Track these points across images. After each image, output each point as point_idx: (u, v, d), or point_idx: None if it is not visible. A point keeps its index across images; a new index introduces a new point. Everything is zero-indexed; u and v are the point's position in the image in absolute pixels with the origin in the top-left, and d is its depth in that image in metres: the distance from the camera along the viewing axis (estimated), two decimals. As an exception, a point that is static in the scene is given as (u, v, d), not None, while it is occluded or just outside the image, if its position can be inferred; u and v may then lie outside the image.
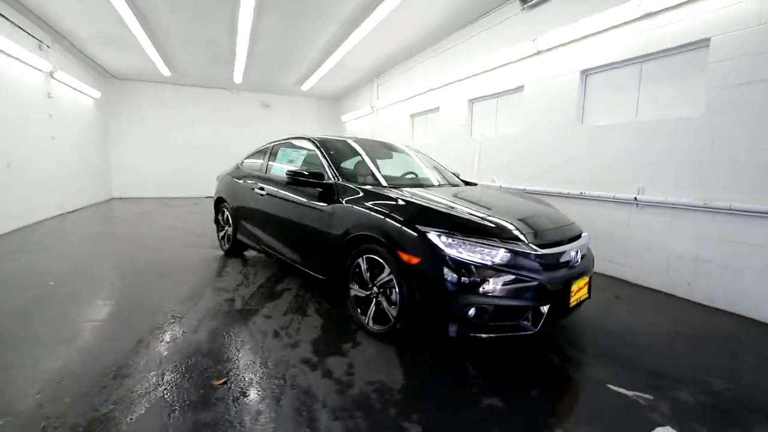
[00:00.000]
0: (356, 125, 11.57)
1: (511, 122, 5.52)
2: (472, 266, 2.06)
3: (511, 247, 2.13)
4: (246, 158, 4.58)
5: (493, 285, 2.06)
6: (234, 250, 4.48)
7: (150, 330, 2.53)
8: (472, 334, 2.09)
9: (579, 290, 2.35)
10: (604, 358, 2.34)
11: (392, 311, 2.34)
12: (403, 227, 2.26)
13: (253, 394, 1.87)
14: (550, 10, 4.65)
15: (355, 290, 2.61)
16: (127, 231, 6.08)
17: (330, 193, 2.87)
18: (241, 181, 4.20)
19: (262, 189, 3.70)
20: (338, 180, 2.91)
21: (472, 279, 2.05)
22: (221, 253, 4.70)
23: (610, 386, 2.03)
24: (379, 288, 2.43)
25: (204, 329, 2.57)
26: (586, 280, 2.43)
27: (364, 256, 2.50)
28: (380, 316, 2.46)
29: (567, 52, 4.48)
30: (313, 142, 3.36)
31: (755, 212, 2.91)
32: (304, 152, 3.57)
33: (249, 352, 2.29)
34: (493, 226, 2.23)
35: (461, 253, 2.09)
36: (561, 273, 2.25)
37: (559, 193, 4.57)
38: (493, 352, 2.35)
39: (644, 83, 3.81)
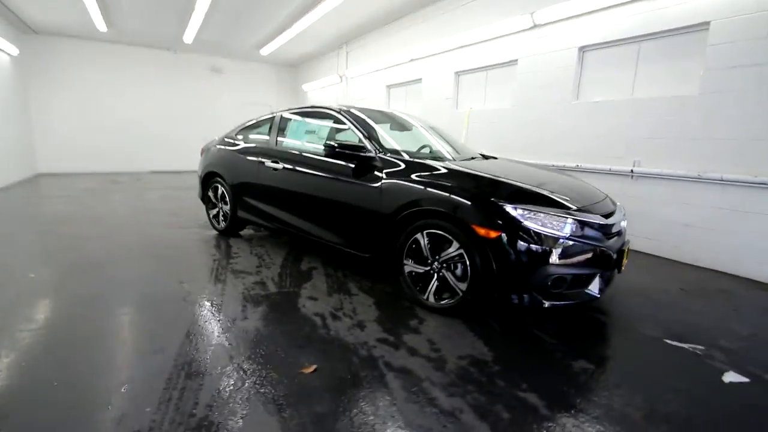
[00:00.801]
0: (320, 95, 11.03)
1: (502, 96, 5.61)
2: (550, 237, 2.11)
3: (580, 217, 2.21)
4: (239, 130, 4.16)
5: (569, 254, 2.13)
6: (232, 229, 4.13)
7: (193, 320, 2.27)
8: (548, 303, 2.16)
9: (625, 257, 2.53)
10: (641, 316, 2.57)
11: (460, 285, 2.33)
12: (477, 201, 2.24)
13: (353, 379, 1.78)
14: (547, -17, 4.70)
15: (411, 266, 2.56)
16: (84, 211, 5.30)
17: (372, 168, 2.73)
18: (242, 155, 3.82)
19: (276, 162, 3.40)
20: (379, 153, 2.77)
21: (550, 249, 2.10)
22: (214, 233, 4.32)
23: (667, 341, 2.25)
24: (441, 263, 2.41)
25: (254, 316, 2.36)
26: (627, 247, 2.61)
27: (425, 232, 2.44)
28: (441, 291, 2.45)
29: (565, 28, 4.60)
30: (342, 114, 3.14)
31: (744, 182, 3.30)
32: (325, 124, 3.33)
33: (319, 337, 2.16)
34: (562, 198, 2.29)
35: (538, 224, 2.13)
36: (615, 241, 2.39)
37: (553, 165, 4.80)
38: (553, 319, 2.47)
39: (642, 62, 4.06)
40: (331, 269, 3.25)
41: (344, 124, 3.12)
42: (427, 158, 2.84)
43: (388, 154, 2.76)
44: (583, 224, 2.21)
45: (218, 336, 2.11)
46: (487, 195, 2.25)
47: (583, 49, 4.52)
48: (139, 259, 3.38)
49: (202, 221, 4.80)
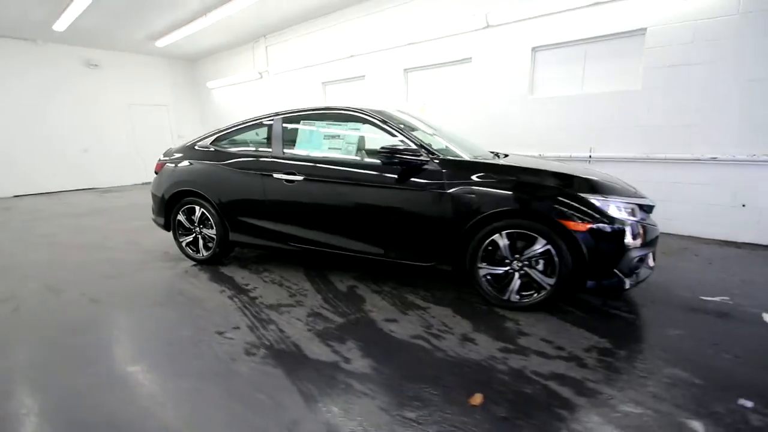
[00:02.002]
0: (232, 94, 9.95)
1: (456, 92, 5.84)
2: (628, 222, 2.30)
3: (640, 201, 2.47)
4: (214, 139, 3.48)
5: (641, 235, 2.36)
6: (220, 255, 3.48)
7: (292, 380, 1.86)
8: (628, 285, 2.36)
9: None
10: (664, 281, 2.98)
11: (548, 280, 2.39)
12: (565, 197, 2.31)
13: (525, 397, 1.70)
14: (497, -14, 5.03)
15: (487, 269, 2.52)
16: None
17: (428, 173, 2.58)
18: (232, 169, 3.22)
19: (291, 174, 2.96)
20: (433, 156, 2.63)
21: (630, 233, 2.30)
22: (190, 264, 3.57)
23: (702, 297, 2.68)
24: (523, 261, 2.43)
25: (353, 355, 2.05)
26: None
27: (503, 232, 2.43)
28: (522, 288, 2.48)
29: (518, 29, 4.99)
30: (375, 116, 2.86)
31: (683, 159, 4.10)
32: (348, 128, 3.01)
33: (442, 362, 1.99)
34: (626, 186, 2.52)
35: (618, 212, 2.31)
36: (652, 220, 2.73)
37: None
38: (610, 298, 2.71)
39: (589, 61, 4.66)
40: (373, 284, 3.00)
41: (376, 126, 2.87)
42: (482, 158, 2.79)
43: (441, 157, 2.65)
44: (641, 207, 2.47)
45: (341, 389, 1.77)
46: (572, 189, 2.34)
47: (535, 49, 4.98)
48: (125, 315, 2.61)
49: (158, 252, 3.94)
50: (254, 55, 8.87)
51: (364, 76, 6.86)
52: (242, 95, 9.62)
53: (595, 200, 2.29)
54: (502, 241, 2.44)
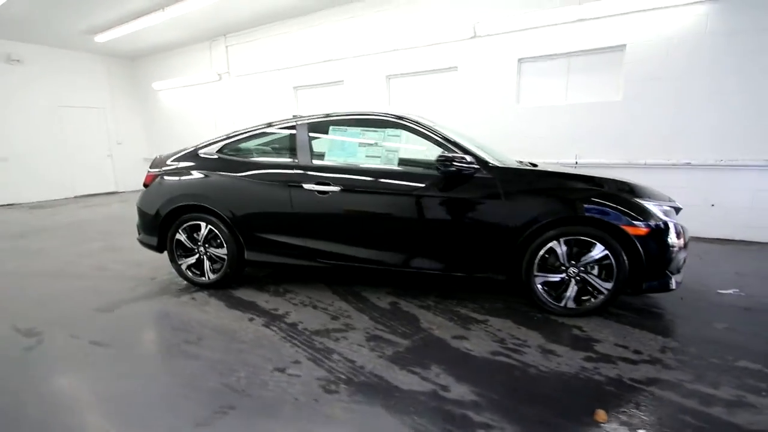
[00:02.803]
0: (184, 96, 9.12)
1: (441, 100, 5.88)
2: (674, 224, 2.44)
3: (675, 205, 2.63)
4: (221, 147, 3.09)
5: (683, 236, 2.50)
6: (232, 277, 3.08)
7: (390, 409, 1.66)
8: (676, 284, 2.48)
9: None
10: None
11: (605, 285, 2.44)
12: (622, 203, 2.38)
13: (637, 406, 1.68)
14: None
15: (544, 277, 2.51)
16: None
17: (479, 181, 2.53)
18: (250, 180, 2.87)
19: (325, 185, 2.72)
20: (486, 164, 2.57)
21: (679, 236, 2.43)
22: (191, 289, 3.12)
23: (718, 291, 2.92)
24: (580, 267, 2.45)
25: (446, 380, 1.90)
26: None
27: (562, 239, 2.44)
28: (579, 294, 2.50)
29: (505, 40, 5.17)
30: (416, 123, 2.77)
31: (661, 165, 4.51)
32: (387, 135, 2.84)
33: (537, 377, 1.92)
34: (660, 191, 2.66)
35: (666, 215, 2.44)
36: (671, 222, 2.94)
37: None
38: (644, 298, 2.85)
39: (572, 73, 4.96)
40: (414, 299, 2.85)
41: (418, 134, 2.76)
42: (531, 166, 2.81)
43: (495, 165, 2.60)
44: (676, 210, 2.64)
45: (462, 423, 1.62)
46: (626, 195, 2.42)
47: (521, 60, 5.19)
48: (148, 359, 2.18)
49: (143, 277, 3.44)
50: (212, 55, 8.21)
51: (342, 81, 6.66)
52: (197, 98, 8.85)
53: (648, 204, 2.40)
54: (560, 248, 2.45)
